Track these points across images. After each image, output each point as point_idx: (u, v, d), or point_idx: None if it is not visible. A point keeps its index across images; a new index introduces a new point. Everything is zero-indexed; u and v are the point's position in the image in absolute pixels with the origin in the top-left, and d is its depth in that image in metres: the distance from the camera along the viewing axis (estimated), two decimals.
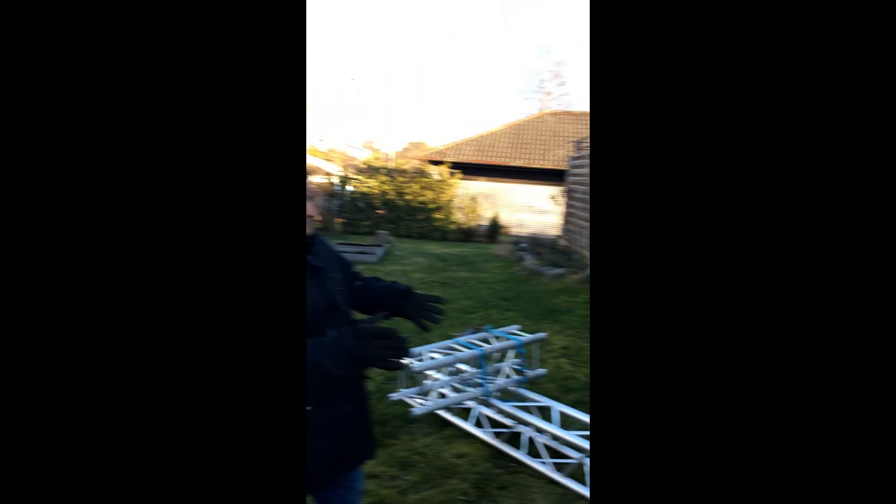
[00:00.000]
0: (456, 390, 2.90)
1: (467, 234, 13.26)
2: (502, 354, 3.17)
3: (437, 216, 12.96)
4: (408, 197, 13.01)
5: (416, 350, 2.93)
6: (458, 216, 13.39)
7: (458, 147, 15.86)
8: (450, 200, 13.20)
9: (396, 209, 13.11)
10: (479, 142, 16.21)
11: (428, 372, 3.07)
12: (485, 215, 13.87)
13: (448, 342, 3.10)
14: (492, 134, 16.61)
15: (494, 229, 13.22)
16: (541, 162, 14.90)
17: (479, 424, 2.92)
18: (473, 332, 3.39)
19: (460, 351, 2.97)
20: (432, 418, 3.04)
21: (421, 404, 2.79)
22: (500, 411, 2.90)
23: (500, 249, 10.58)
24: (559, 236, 11.11)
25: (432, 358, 2.88)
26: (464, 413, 3.05)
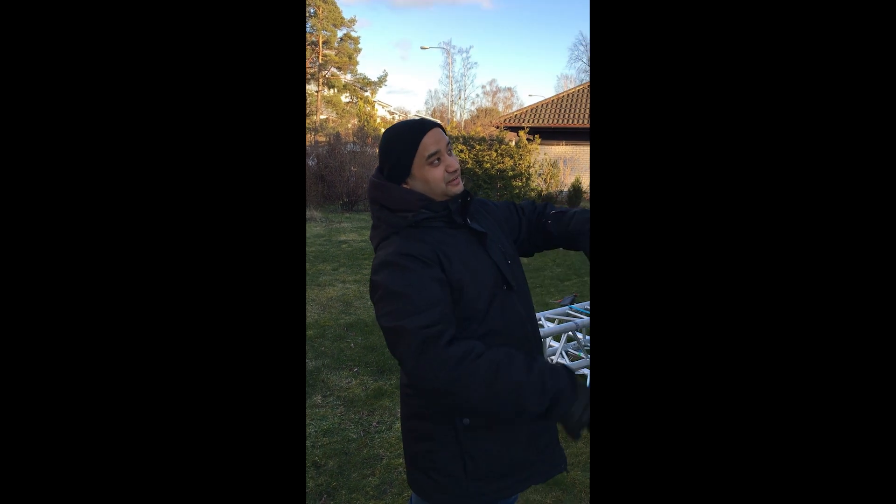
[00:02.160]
0: (570, 357, 2.91)
1: (548, 201, 13.03)
2: None
3: (517, 183, 12.79)
4: (486, 165, 12.91)
5: None
6: (538, 182, 13.16)
7: (535, 111, 15.46)
8: (529, 167, 12.97)
9: (475, 178, 13.07)
10: (557, 104, 15.71)
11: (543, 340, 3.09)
12: (565, 181, 13.54)
13: (564, 308, 3.10)
14: (569, 95, 16.03)
15: (576, 195, 12.89)
16: None
17: None
18: (572, 299, 3.37)
19: (578, 318, 2.97)
20: None
21: None
22: None
23: None
24: None
25: (550, 323, 2.90)
26: None
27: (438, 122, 1.12)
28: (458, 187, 1.09)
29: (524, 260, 1.29)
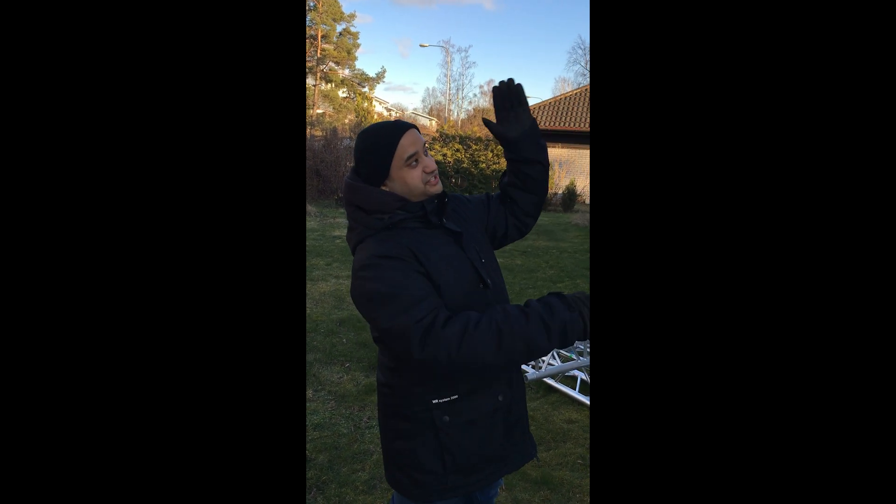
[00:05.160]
0: (562, 358, 2.93)
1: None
2: None
3: None
4: (482, 165, 12.94)
5: None
6: None
7: (532, 113, 15.48)
8: None
9: (470, 177, 13.08)
10: (554, 106, 15.75)
11: None
12: (560, 183, 13.58)
13: None
14: (567, 98, 16.08)
15: (570, 197, 12.94)
16: None
17: (585, 392, 2.95)
18: None
19: None
20: (536, 384, 3.09)
21: (531, 371, 2.85)
22: None
23: (577, 218, 10.37)
24: None
25: None
26: (565, 380, 3.09)
27: (413, 123, 1.13)
28: (437, 187, 1.10)
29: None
